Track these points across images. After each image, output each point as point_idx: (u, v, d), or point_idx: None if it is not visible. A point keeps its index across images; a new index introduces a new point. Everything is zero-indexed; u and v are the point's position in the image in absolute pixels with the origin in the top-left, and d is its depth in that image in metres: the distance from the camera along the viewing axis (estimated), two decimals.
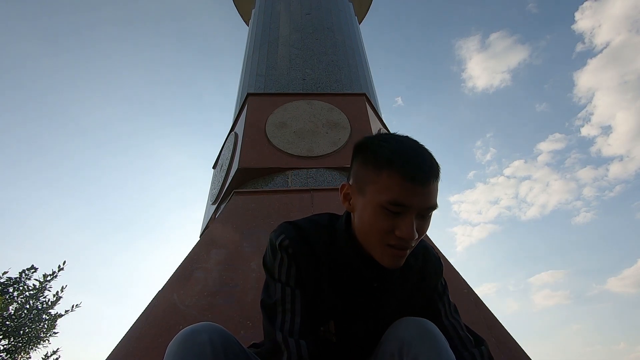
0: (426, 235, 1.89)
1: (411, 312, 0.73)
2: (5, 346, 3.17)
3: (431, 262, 0.77)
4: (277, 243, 0.69)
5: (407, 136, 0.65)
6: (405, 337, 0.61)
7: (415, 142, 0.64)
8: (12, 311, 3.27)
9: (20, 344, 3.22)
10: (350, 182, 0.69)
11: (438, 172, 0.62)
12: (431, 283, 0.77)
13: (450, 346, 0.63)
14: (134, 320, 1.46)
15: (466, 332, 0.74)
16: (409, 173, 0.58)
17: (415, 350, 0.58)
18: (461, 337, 0.72)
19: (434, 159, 0.63)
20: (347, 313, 0.71)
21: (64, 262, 3.62)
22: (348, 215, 0.71)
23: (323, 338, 0.71)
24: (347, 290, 0.70)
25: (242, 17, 6.02)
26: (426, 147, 0.64)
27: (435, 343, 0.59)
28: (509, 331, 1.39)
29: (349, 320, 0.72)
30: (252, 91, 2.91)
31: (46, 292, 3.52)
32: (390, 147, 0.61)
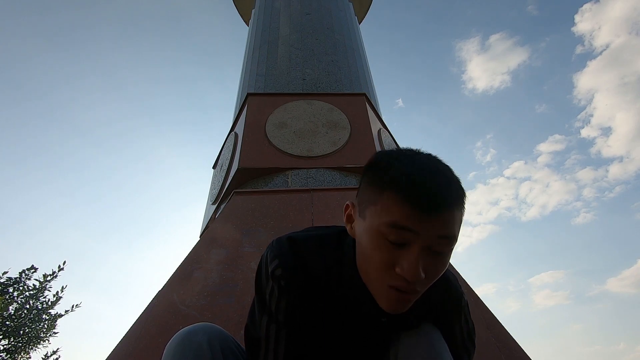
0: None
1: None
2: (5, 346, 3.17)
3: (448, 295, 0.64)
4: (270, 270, 0.60)
5: (429, 154, 0.54)
6: (410, 354, 0.57)
7: (437, 162, 0.52)
8: (12, 311, 3.27)
9: (20, 344, 3.22)
10: (355, 203, 0.58)
11: (458, 200, 0.49)
12: (446, 320, 0.65)
13: None
14: (134, 320, 1.47)
15: None
16: (415, 195, 0.47)
17: None
18: None
19: (455, 185, 0.50)
20: (348, 352, 0.63)
21: (64, 262, 3.62)
22: None
23: None
24: (350, 326, 0.62)
25: (242, 17, 6.02)
26: (450, 168, 0.53)
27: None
28: (509, 331, 1.39)
29: (346, 358, 0.64)
30: (252, 91, 2.91)
31: (46, 292, 3.52)
32: (401, 165, 0.50)
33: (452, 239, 0.49)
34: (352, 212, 0.58)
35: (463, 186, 0.52)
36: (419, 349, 0.57)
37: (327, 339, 0.62)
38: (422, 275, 0.48)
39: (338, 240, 0.63)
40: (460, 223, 0.51)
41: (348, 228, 0.59)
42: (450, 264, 1.67)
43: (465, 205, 0.52)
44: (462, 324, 0.66)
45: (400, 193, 0.48)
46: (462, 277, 1.61)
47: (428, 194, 0.47)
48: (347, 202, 0.60)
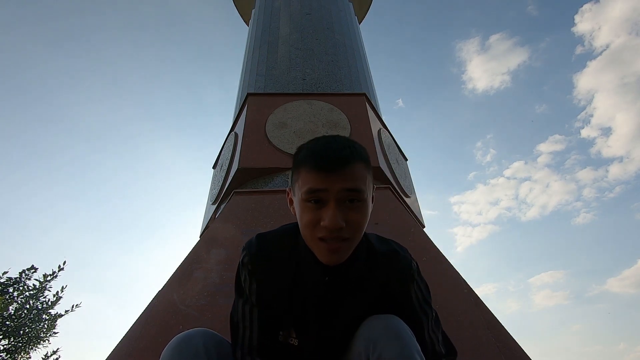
0: (427, 238, 1.87)
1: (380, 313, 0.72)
2: (5, 346, 3.16)
3: (397, 264, 0.72)
4: (240, 260, 0.73)
5: (336, 136, 0.67)
6: (371, 336, 0.62)
7: (336, 137, 0.66)
8: (12, 311, 3.27)
9: (20, 344, 3.22)
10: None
11: (352, 156, 0.62)
12: (400, 288, 0.72)
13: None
14: (134, 320, 1.47)
15: (441, 347, 0.74)
16: (317, 161, 0.60)
17: (380, 348, 0.60)
18: (436, 353, 0.72)
19: (350, 146, 0.63)
20: (307, 320, 0.71)
21: (64, 262, 3.62)
22: None
23: (284, 343, 0.72)
24: (305, 293, 0.70)
25: (242, 17, 6.03)
26: (351, 140, 0.66)
27: (400, 339, 0.60)
28: (509, 331, 1.39)
29: (309, 324, 0.71)
30: (252, 91, 2.91)
31: (46, 292, 3.51)
32: (308, 147, 0.65)
33: (358, 190, 0.61)
34: (291, 196, 0.70)
35: (362, 149, 0.66)
36: (378, 322, 0.65)
37: (292, 307, 0.71)
38: (342, 223, 0.60)
39: (296, 228, 0.72)
40: (365, 178, 0.63)
41: (291, 210, 0.70)
42: (451, 264, 1.67)
43: (364, 161, 0.64)
44: (416, 288, 0.74)
45: (307, 165, 0.62)
46: (462, 277, 1.61)
47: (326, 157, 0.60)
48: (287, 189, 0.73)
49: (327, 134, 0.71)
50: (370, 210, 0.65)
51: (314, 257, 0.67)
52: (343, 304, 0.70)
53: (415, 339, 0.62)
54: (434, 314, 0.76)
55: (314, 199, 0.60)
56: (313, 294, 0.70)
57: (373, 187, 0.68)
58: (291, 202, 0.71)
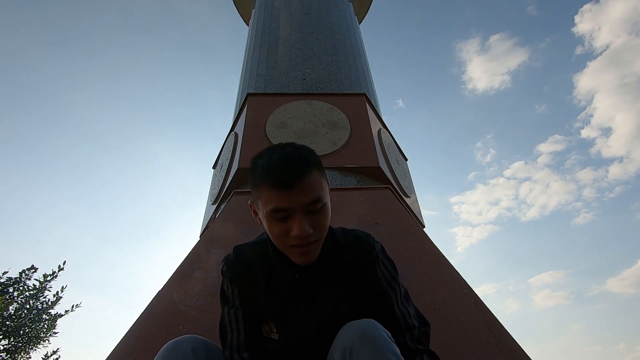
0: (427, 238, 1.87)
1: (356, 303, 0.77)
2: (5, 346, 3.17)
3: (360, 248, 0.78)
4: (220, 270, 0.80)
5: (282, 145, 0.69)
6: (347, 344, 0.64)
7: (286, 148, 0.68)
8: (12, 311, 3.27)
9: (20, 344, 3.22)
10: (252, 201, 0.75)
11: (305, 168, 0.64)
12: (366, 270, 0.77)
13: (399, 335, 0.71)
14: (134, 320, 1.46)
15: (413, 319, 0.77)
16: (276, 181, 0.63)
17: (356, 355, 0.61)
18: (408, 325, 0.75)
19: (303, 157, 0.66)
20: (284, 313, 0.77)
21: (64, 262, 3.63)
22: None
23: (267, 338, 0.78)
24: (280, 292, 0.76)
25: (242, 17, 6.02)
26: (298, 147, 0.68)
27: (375, 345, 0.61)
28: (509, 331, 1.39)
29: (287, 320, 0.77)
30: (252, 91, 2.91)
31: (46, 292, 3.52)
32: (262, 164, 0.67)
33: (317, 199, 0.65)
34: (255, 209, 0.74)
35: (313, 155, 0.68)
36: (353, 329, 0.67)
37: (269, 303, 0.77)
38: (310, 230, 0.64)
39: (267, 235, 0.77)
40: (322, 184, 0.67)
41: (257, 220, 0.74)
42: (451, 264, 1.67)
43: (317, 168, 0.67)
44: (382, 267, 0.78)
45: (266, 183, 0.64)
46: (462, 277, 1.61)
47: (283, 175, 0.63)
48: (249, 202, 0.75)
49: (277, 145, 0.71)
50: (330, 207, 0.70)
51: (284, 259, 0.73)
52: (316, 295, 0.76)
53: (392, 341, 0.64)
54: (402, 289, 0.80)
55: (280, 216, 0.64)
56: (287, 291, 0.76)
57: (328, 184, 0.72)
58: (255, 213, 0.74)
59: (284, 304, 0.77)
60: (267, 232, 0.70)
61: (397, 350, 0.63)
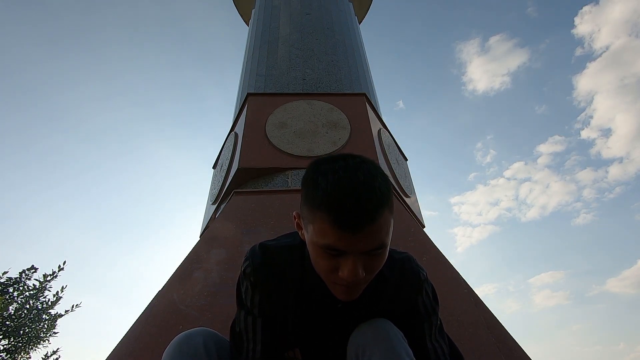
0: (427, 238, 1.87)
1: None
2: (5, 346, 3.17)
3: (407, 276, 0.71)
4: (242, 270, 0.70)
5: (352, 163, 0.56)
6: (361, 341, 0.63)
7: (358, 171, 0.54)
8: (12, 311, 3.27)
9: (20, 344, 3.22)
10: (300, 214, 0.64)
11: (379, 208, 0.53)
12: (407, 297, 0.71)
13: None
14: (134, 320, 1.46)
15: (447, 356, 0.71)
16: (339, 219, 0.51)
17: (369, 353, 0.60)
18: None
19: (378, 190, 0.53)
20: (313, 337, 0.71)
21: (64, 262, 3.63)
22: None
23: (288, 358, 0.72)
24: (313, 314, 0.69)
25: (242, 17, 6.03)
26: (373, 174, 0.55)
27: (389, 342, 0.61)
28: (509, 331, 1.39)
29: (315, 345, 0.71)
30: (252, 91, 2.91)
31: (46, 292, 3.52)
32: (324, 186, 0.54)
33: (381, 245, 0.55)
34: (300, 222, 0.64)
35: (387, 187, 0.56)
36: (368, 327, 0.65)
37: (297, 327, 0.70)
38: (362, 274, 0.55)
39: (302, 243, 0.68)
40: (388, 226, 0.56)
41: (300, 234, 0.65)
42: (451, 264, 1.67)
43: (389, 206, 0.55)
44: (424, 298, 0.72)
45: (325, 214, 0.52)
46: (462, 277, 1.61)
47: (350, 215, 0.51)
48: (294, 213, 0.65)
49: (346, 157, 0.58)
50: (388, 248, 0.59)
51: (325, 286, 0.63)
52: (351, 323, 0.69)
53: (405, 342, 0.63)
54: (438, 323, 0.74)
55: (333, 253, 0.55)
56: (323, 319, 0.69)
57: (393, 223, 0.60)
58: (299, 227, 0.65)
59: (314, 329, 0.70)
60: (312, 258, 0.60)
61: (410, 351, 0.62)
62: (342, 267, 0.55)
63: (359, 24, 5.38)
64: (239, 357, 0.70)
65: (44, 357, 3.40)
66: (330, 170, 0.55)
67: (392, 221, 0.58)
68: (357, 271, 0.54)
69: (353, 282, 0.56)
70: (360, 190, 0.52)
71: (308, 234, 0.59)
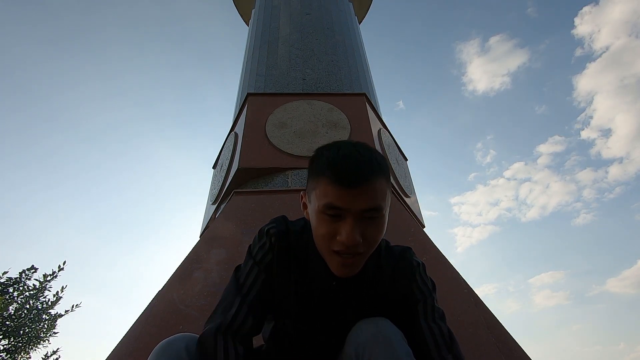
0: (427, 238, 1.87)
1: (381, 315, 0.70)
2: (5, 346, 3.17)
3: (403, 264, 0.73)
4: (265, 229, 0.74)
5: (353, 142, 0.64)
6: (360, 340, 0.63)
7: (357, 146, 0.62)
8: (12, 311, 3.27)
9: (20, 344, 3.22)
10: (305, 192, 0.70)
11: (374, 172, 0.59)
12: (401, 284, 0.72)
13: (422, 349, 0.66)
14: (134, 320, 1.46)
15: (446, 338, 0.68)
16: (340, 176, 0.58)
17: (369, 353, 0.60)
18: (437, 342, 0.67)
19: (375, 160, 0.61)
20: (306, 313, 0.73)
21: (64, 262, 3.63)
22: None
23: (281, 333, 0.75)
24: (310, 291, 0.72)
25: (242, 17, 6.02)
26: (371, 150, 0.63)
27: (389, 343, 0.61)
28: (509, 331, 1.39)
29: (307, 321, 0.73)
30: (252, 91, 2.91)
31: (46, 292, 3.52)
32: (328, 154, 0.62)
33: (378, 207, 0.59)
34: (305, 200, 0.70)
35: (384, 161, 0.63)
36: (367, 326, 0.65)
37: (289, 299, 0.72)
38: (359, 239, 0.59)
39: (309, 226, 0.72)
40: (385, 194, 0.61)
41: (305, 214, 0.71)
42: (451, 264, 1.67)
43: (386, 176, 0.62)
44: (419, 282, 0.73)
45: (327, 176, 0.59)
46: (462, 277, 1.61)
47: (348, 172, 0.58)
48: (301, 193, 0.72)
49: (347, 140, 0.66)
50: (386, 222, 0.64)
51: (324, 264, 0.67)
52: (346, 307, 0.72)
53: (405, 342, 0.63)
54: (436, 306, 0.73)
55: (333, 214, 0.59)
56: (319, 298, 0.72)
57: (390, 198, 0.65)
58: (305, 206, 0.70)
59: (310, 306, 0.72)
60: (313, 230, 0.65)
61: (410, 350, 0.62)
62: (341, 231, 0.59)
63: (359, 24, 5.38)
64: (217, 315, 0.75)
65: (44, 357, 3.40)
66: (333, 146, 0.64)
67: (388, 193, 0.63)
68: (354, 234, 0.58)
69: (349, 244, 0.59)
70: (359, 157, 0.60)
71: (311, 204, 0.65)
